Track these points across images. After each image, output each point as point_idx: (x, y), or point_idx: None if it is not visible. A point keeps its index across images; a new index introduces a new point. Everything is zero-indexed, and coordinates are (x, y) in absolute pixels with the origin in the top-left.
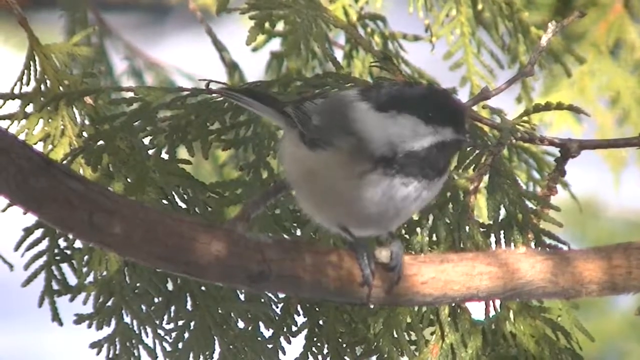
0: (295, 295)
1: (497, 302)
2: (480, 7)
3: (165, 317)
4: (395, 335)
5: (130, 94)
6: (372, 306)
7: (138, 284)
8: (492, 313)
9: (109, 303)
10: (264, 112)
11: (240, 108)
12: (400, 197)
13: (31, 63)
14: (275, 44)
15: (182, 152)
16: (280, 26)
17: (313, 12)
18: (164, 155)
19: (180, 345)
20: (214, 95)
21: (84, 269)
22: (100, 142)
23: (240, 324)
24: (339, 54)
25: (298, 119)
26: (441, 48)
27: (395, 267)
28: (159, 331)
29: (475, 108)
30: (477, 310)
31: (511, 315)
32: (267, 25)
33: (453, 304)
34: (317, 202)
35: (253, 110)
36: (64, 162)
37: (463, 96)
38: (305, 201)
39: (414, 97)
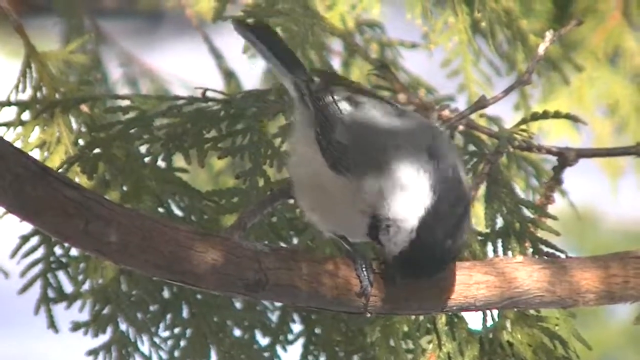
0: (292, 304)
1: (494, 311)
2: (478, 15)
3: (161, 325)
4: (392, 344)
5: (126, 102)
6: (369, 315)
7: (134, 292)
8: (489, 322)
9: (105, 311)
10: (275, 67)
11: (236, 116)
12: None
13: (27, 70)
14: None
15: (179, 160)
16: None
17: (309, 20)
18: (160, 164)
19: (176, 353)
20: (209, 103)
21: (80, 277)
22: (96, 150)
23: (237, 332)
24: (336, 61)
25: (320, 116)
26: (439, 55)
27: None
28: (155, 339)
29: (472, 116)
30: (474, 320)
31: (508, 324)
32: None
33: (450, 313)
34: (319, 212)
35: (265, 60)
36: (60, 170)
37: (461, 104)
38: (306, 204)
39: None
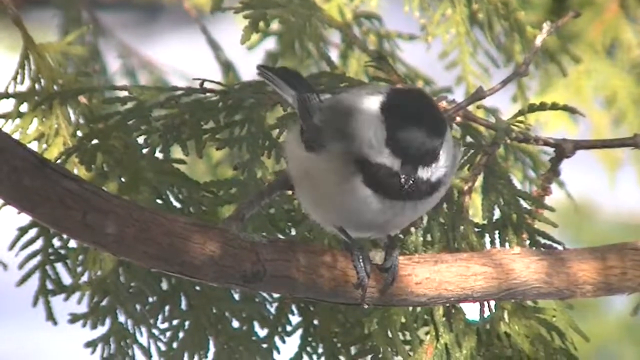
0: (290, 295)
1: (492, 303)
2: (475, 6)
3: (160, 317)
4: (390, 335)
5: (125, 93)
6: (366, 306)
7: (132, 284)
8: (486, 313)
9: (104, 302)
10: (284, 92)
11: (234, 107)
12: (376, 209)
13: (25, 62)
14: (270, 43)
15: (177, 152)
16: (275, 25)
17: (307, 12)
18: (158, 155)
19: (174, 344)
20: (207, 94)
21: (79, 269)
22: (95, 141)
23: (235, 324)
24: (334, 53)
25: (301, 111)
26: (437, 47)
27: (389, 269)
28: (154, 331)
29: (470, 108)
30: (471, 311)
31: (506, 315)
32: (261, 24)
33: (447, 305)
34: (313, 202)
35: (276, 90)
36: (58, 161)
37: (459, 95)
38: (303, 198)
39: (399, 110)
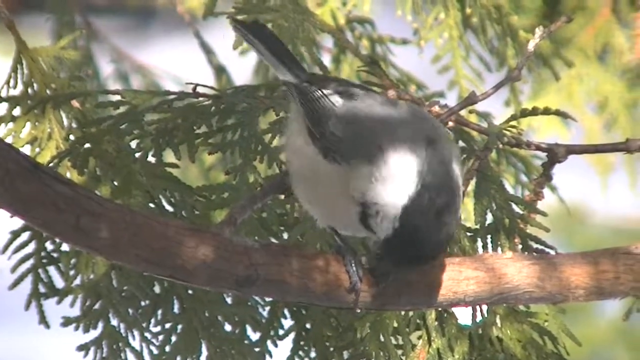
0: (282, 299)
1: (484, 307)
2: (468, 10)
3: (152, 320)
4: (382, 340)
5: (118, 97)
6: (359, 310)
7: (125, 287)
8: (478, 318)
9: (96, 306)
10: (276, 69)
11: (227, 111)
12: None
13: (18, 66)
14: None
15: (169, 156)
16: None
17: (300, 17)
18: (151, 159)
19: (167, 348)
20: (200, 98)
21: (71, 272)
22: (87, 146)
23: (228, 327)
24: (327, 58)
25: (308, 111)
26: (429, 51)
27: (382, 273)
28: (146, 334)
29: (462, 112)
30: (463, 315)
31: (498, 320)
32: None
33: (440, 309)
34: (312, 200)
35: (263, 60)
36: (51, 164)
37: (451, 99)
38: (301, 194)
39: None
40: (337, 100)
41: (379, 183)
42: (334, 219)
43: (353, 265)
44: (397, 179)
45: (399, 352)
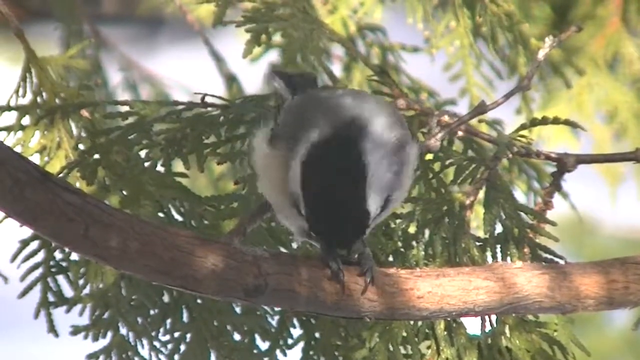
0: (291, 309)
1: (493, 317)
2: (479, 19)
3: (162, 330)
4: (391, 349)
5: (126, 108)
6: (367, 320)
7: (134, 296)
8: (487, 328)
9: (105, 315)
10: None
11: (235, 121)
12: None
13: (27, 75)
14: (274, 55)
15: (179, 166)
16: (277, 38)
17: (309, 26)
18: (160, 169)
19: (176, 357)
20: (209, 108)
21: (80, 281)
22: (96, 156)
23: (237, 337)
24: (338, 66)
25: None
26: (441, 59)
27: (367, 270)
28: (155, 343)
29: (473, 121)
30: (472, 325)
31: (507, 330)
32: (263, 37)
33: (449, 319)
34: (276, 206)
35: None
36: (60, 174)
37: (463, 107)
38: (272, 203)
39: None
40: (290, 97)
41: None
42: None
43: (332, 257)
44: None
45: None
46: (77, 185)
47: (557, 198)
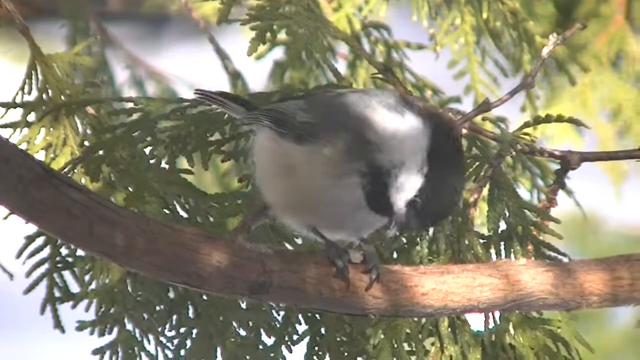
0: (296, 306)
1: (497, 314)
2: (485, 16)
3: (167, 325)
4: (395, 346)
5: (131, 105)
6: (372, 317)
7: (140, 292)
8: (491, 325)
9: (111, 311)
10: (234, 111)
11: None
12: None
13: (33, 72)
14: (279, 52)
15: (184, 163)
16: (282, 35)
17: (314, 23)
18: (165, 166)
19: (182, 352)
20: (213, 106)
21: (86, 277)
22: (100, 153)
23: (242, 332)
24: (343, 64)
25: (272, 119)
26: (445, 57)
27: (373, 267)
28: (161, 339)
29: (477, 119)
30: (476, 321)
31: (511, 327)
32: (268, 35)
33: (453, 316)
34: (290, 200)
35: (226, 111)
36: (65, 171)
37: (467, 104)
38: (277, 199)
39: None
40: (297, 101)
41: (384, 145)
42: (318, 212)
43: (336, 253)
44: (403, 136)
45: (412, 358)
46: (83, 182)
47: (561, 195)
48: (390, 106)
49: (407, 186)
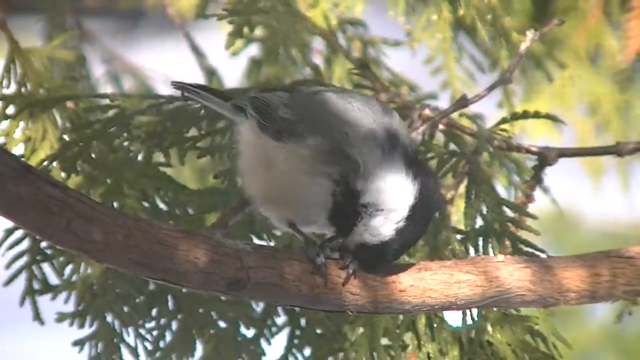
0: (274, 303)
1: (475, 310)
2: (461, 12)
3: (147, 318)
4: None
5: (107, 101)
6: (350, 313)
7: (120, 285)
8: (469, 321)
9: (92, 303)
10: (213, 103)
11: (216, 115)
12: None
13: (11, 66)
14: (254, 49)
15: (161, 159)
16: (259, 31)
17: (291, 18)
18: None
19: (161, 344)
20: (189, 102)
21: (66, 270)
22: (76, 149)
23: (222, 325)
24: (319, 60)
25: (256, 109)
26: (422, 53)
27: (349, 264)
28: (141, 331)
29: (454, 115)
30: (454, 318)
31: (488, 324)
32: (245, 30)
33: (431, 313)
34: (269, 193)
35: (203, 102)
36: (42, 166)
37: (444, 101)
38: (257, 191)
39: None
40: (282, 94)
41: (369, 177)
42: (294, 207)
43: (314, 250)
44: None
45: (392, 353)
46: (62, 175)
47: (539, 191)
48: (371, 117)
49: (374, 231)
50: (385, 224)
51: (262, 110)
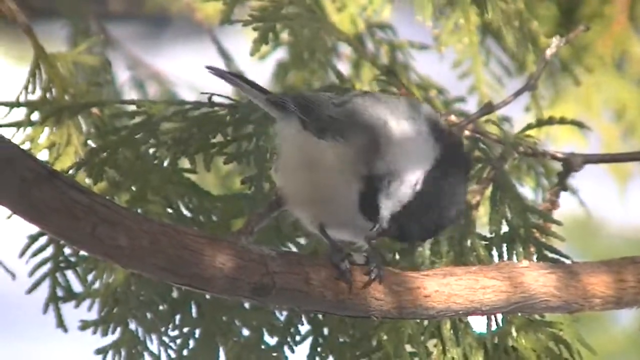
0: (299, 308)
1: (499, 316)
2: (488, 16)
3: (171, 325)
4: (397, 348)
5: (133, 107)
6: (375, 319)
7: (143, 292)
8: (494, 327)
9: (115, 310)
10: (251, 94)
11: (242, 121)
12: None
13: (36, 71)
14: (281, 53)
15: (186, 165)
16: (285, 35)
17: (316, 24)
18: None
19: (185, 352)
20: (215, 108)
21: (89, 277)
22: (103, 155)
23: (245, 332)
24: (347, 64)
25: (300, 107)
26: (449, 57)
27: (372, 269)
28: (164, 338)
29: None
30: (479, 323)
31: (513, 329)
32: (270, 35)
33: (456, 318)
34: (304, 193)
35: (245, 94)
36: (70, 171)
37: (472, 104)
38: (293, 191)
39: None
40: (331, 95)
41: (389, 151)
42: (327, 209)
43: (339, 256)
44: (410, 148)
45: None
46: (87, 181)
47: (563, 197)
48: (410, 119)
49: (395, 197)
50: (400, 187)
51: (305, 107)
